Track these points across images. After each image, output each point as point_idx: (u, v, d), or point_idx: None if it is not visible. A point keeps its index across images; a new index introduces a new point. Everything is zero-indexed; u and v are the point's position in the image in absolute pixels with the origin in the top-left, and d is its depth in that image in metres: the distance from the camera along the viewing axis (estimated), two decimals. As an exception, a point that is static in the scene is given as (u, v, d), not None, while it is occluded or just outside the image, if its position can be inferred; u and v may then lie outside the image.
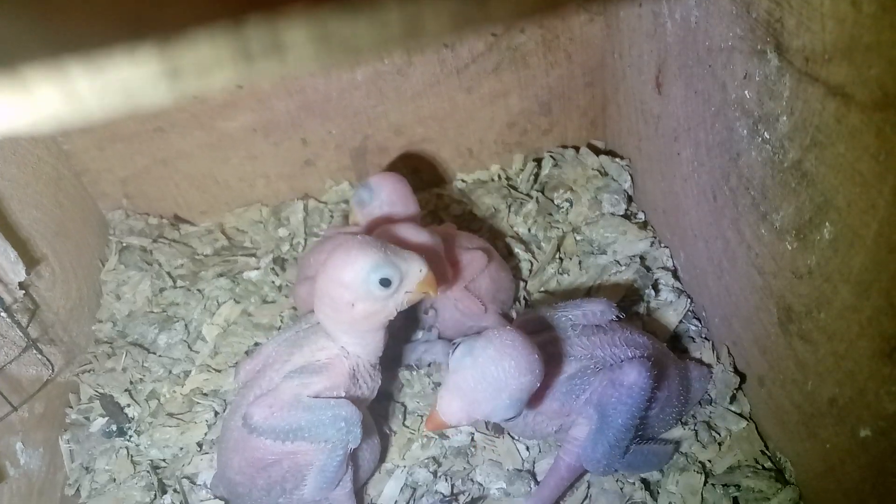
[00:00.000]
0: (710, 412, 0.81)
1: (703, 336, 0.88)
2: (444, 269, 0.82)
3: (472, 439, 0.83)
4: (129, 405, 0.91)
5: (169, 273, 1.05)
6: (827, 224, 0.59)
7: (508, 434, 0.83)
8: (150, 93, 0.20)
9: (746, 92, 0.67)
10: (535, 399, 0.70)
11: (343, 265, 0.67)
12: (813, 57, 0.56)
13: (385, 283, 0.67)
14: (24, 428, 0.82)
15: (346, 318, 0.70)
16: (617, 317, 0.77)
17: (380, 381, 0.77)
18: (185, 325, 0.98)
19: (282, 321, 0.98)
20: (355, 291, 0.67)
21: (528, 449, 0.82)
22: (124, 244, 1.07)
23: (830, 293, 0.60)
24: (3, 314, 0.80)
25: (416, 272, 0.69)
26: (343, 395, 0.73)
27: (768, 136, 0.65)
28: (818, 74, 0.56)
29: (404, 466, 0.82)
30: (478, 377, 0.64)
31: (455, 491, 0.80)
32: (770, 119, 0.64)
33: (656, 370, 0.72)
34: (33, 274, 0.89)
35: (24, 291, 0.86)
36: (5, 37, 0.18)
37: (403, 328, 0.92)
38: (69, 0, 0.17)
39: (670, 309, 0.90)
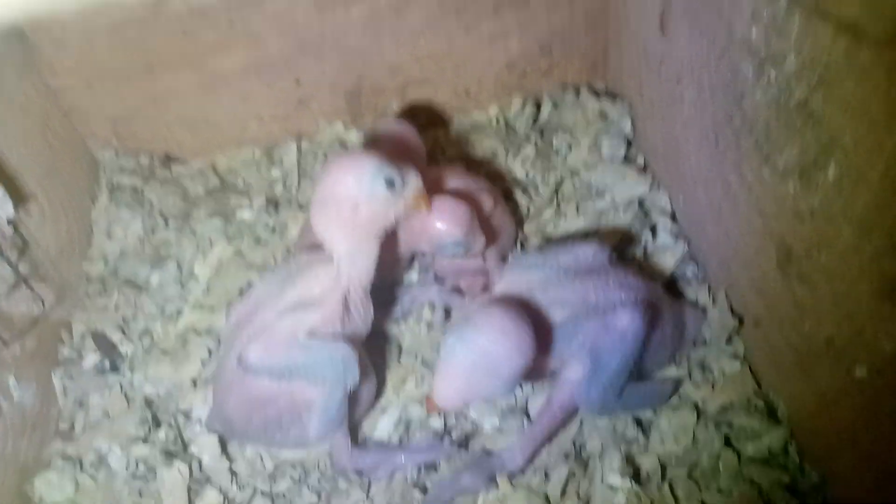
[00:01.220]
0: (705, 353, 0.82)
1: (700, 279, 0.88)
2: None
3: (466, 379, 0.84)
4: (122, 342, 0.90)
5: (161, 212, 1.03)
6: (832, 164, 0.59)
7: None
8: None
9: (753, 31, 0.66)
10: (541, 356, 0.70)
11: (349, 167, 0.70)
12: (824, -8, 0.55)
13: (389, 183, 0.69)
14: (16, 364, 0.82)
15: (348, 222, 0.70)
16: (609, 259, 0.77)
17: (372, 314, 0.77)
18: (178, 265, 0.97)
19: (275, 262, 0.97)
20: (361, 191, 0.69)
21: (521, 387, 0.83)
22: (115, 183, 1.05)
23: (832, 234, 0.60)
24: (-8, 250, 0.79)
25: (415, 182, 0.72)
26: (338, 329, 0.73)
27: (774, 76, 0.64)
28: (829, 10, 0.55)
29: (398, 403, 0.83)
30: (470, 364, 0.65)
31: (448, 427, 0.80)
32: (777, 58, 0.63)
33: (649, 313, 0.72)
34: (22, 211, 0.87)
35: (12, 228, 0.84)
36: None
37: (399, 271, 0.92)
38: None
39: (667, 252, 0.90)
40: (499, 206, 0.89)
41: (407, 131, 0.90)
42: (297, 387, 0.73)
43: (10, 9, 0.19)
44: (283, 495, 0.77)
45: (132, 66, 1.01)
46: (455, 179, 0.87)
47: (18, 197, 0.86)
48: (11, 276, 0.82)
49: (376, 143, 0.87)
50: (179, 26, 0.98)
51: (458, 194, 0.82)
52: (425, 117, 1.13)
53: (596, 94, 1.10)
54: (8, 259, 0.81)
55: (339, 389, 0.72)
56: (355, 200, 0.69)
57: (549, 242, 0.94)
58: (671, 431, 0.75)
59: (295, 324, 0.71)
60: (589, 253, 0.77)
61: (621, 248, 0.91)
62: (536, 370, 0.73)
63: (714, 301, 0.84)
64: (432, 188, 0.79)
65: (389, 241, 0.78)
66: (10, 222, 0.83)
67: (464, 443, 0.79)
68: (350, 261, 0.73)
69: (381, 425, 0.82)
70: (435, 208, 0.77)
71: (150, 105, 1.06)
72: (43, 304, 0.86)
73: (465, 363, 0.64)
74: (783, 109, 0.64)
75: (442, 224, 0.78)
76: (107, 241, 1.01)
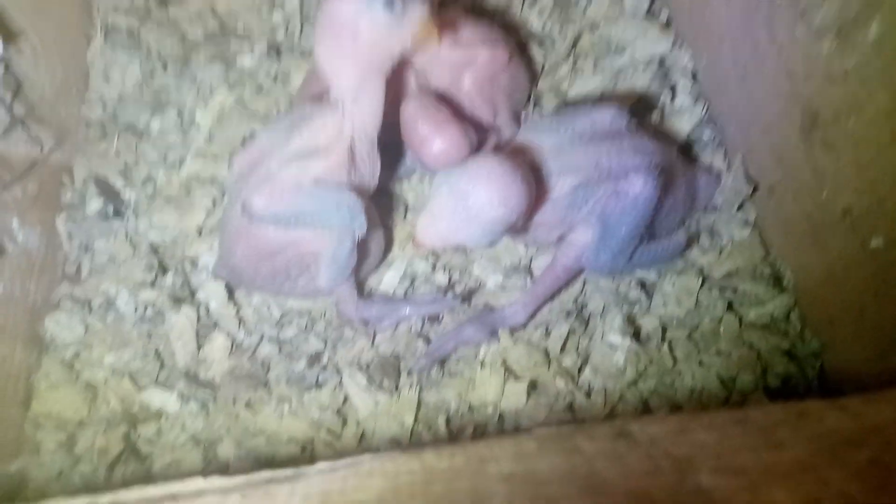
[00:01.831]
0: (715, 219, 0.81)
1: (717, 143, 0.86)
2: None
3: (472, 235, 0.83)
4: (124, 188, 0.89)
5: (159, 56, 0.99)
6: (874, 22, 0.55)
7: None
8: None
9: None
10: (532, 214, 0.69)
11: (342, 6, 0.66)
12: None
13: (388, 3, 0.65)
14: (18, 207, 0.81)
15: (349, 52, 0.67)
16: (627, 123, 0.74)
17: (379, 167, 0.75)
18: (178, 111, 0.94)
19: (277, 111, 0.94)
20: (359, 14, 0.65)
21: (525, 247, 0.83)
22: (110, 23, 1.00)
23: (865, 98, 0.58)
24: (-16, 86, 0.76)
25: (420, 10, 0.67)
26: (344, 179, 0.71)
27: (823, -81, 0.59)
28: None
29: (404, 258, 0.83)
30: (451, 206, 0.64)
31: (452, 282, 0.81)
32: None
33: (663, 179, 0.70)
34: (13, 50, 0.83)
35: (4, 67, 0.81)
36: None
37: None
38: None
39: (685, 114, 0.87)
40: (512, 61, 0.85)
41: None
42: (304, 237, 0.72)
43: None
44: (290, 341, 0.79)
45: None
46: (467, 29, 0.82)
47: (7, 34, 0.82)
48: (6, 117, 0.79)
49: None
50: None
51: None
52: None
53: (622, -60, 1.02)
54: (1, 98, 0.78)
55: (348, 237, 0.71)
56: (355, 25, 0.66)
57: (567, 106, 0.90)
58: (674, 294, 0.76)
59: (300, 172, 0.70)
60: (607, 117, 0.74)
61: (639, 107, 0.88)
62: (529, 231, 0.73)
63: (729, 166, 0.82)
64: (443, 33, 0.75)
65: (395, 92, 0.74)
66: (0, 60, 0.80)
67: (467, 298, 0.80)
68: (354, 101, 0.70)
69: (387, 279, 0.82)
70: (436, 127, 0.72)
71: (145, -63, 0.99)
72: (42, 147, 0.84)
73: (447, 204, 0.64)
74: (828, -42, 0.59)
75: (439, 151, 0.73)
76: (104, 84, 0.97)
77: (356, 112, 0.70)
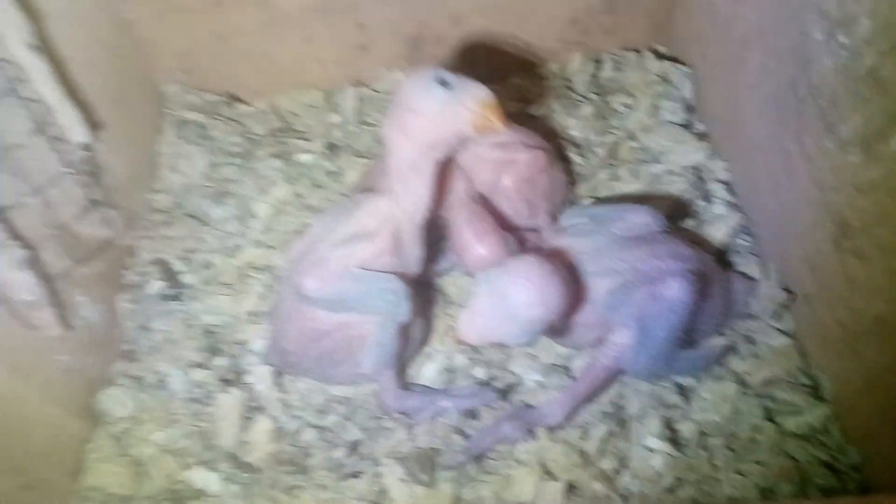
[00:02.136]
0: (752, 326, 0.82)
1: (752, 252, 0.88)
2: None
3: (511, 332, 0.85)
4: (184, 272, 0.94)
5: (224, 150, 1.06)
6: (896, 136, 0.58)
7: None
8: None
9: (827, -7, 0.65)
10: (571, 315, 0.72)
11: (407, 80, 0.70)
12: (906, -45, 0.54)
13: (443, 82, 0.67)
14: (85, 283, 0.86)
15: (407, 128, 0.69)
16: (662, 227, 0.77)
17: (424, 253, 0.78)
18: (239, 202, 1.01)
19: (332, 205, 0.99)
20: (416, 94, 0.68)
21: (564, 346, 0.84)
22: (180, 118, 1.09)
23: (892, 207, 0.60)
24: (68, 173, 0.83)
25: (479, 92, 0.67)
26: (390, 263, 0.74)
27: (845, 41, 0.63)
28: (910, -25, 0.54)
29: (444, 351, 0.85)
30: (491, 304, 0.66)
31: (490, 377, 0.83)
32: (849, 22, 0.62)
33: (699, 284, 0.72)
34: (95, 139, 0.91)
35: (86, 154, 0.88)
36: None
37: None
38: None
39: (721, 222, 0.89)
40: (551, 164, 0.90)
41: None
42: (351, 321, 0.75)
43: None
44: (331, 429, 0.81)
45: (202, 1, 1.03)
46: (508, 131, 0.87)
47: (92, 123, 0.90)
48: (84, 200, 0.86)
49: None
50: (248, -38, 1.00)
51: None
52: (484, 70, 1.12)
53: (658, 56, 1.09)
54: (82, 183, 0.85)
55: (392, 322, 0.74)
56: (412, 104, 0.68)
57: (603, 203, 0.94)
58: (712, 400, 0.76)
59: (348, 255, 0.73)
60: (642, 220, 0.77)
61: (675, 215, 0.91)
62: (568, 332, 0.75)
63: (764, 274, 0.84)
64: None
65: (444, 185, 0.78)
66: (84, 148, 0.87)
67: (505, 395, 0.81)
68: (406, 180, 0.72)
69: (426, 372, 0.84)
70: (478, 235, 0.78)
71: (216, 41, 1.08)
72: (113, 229, 0.90)
73: (488, 302, 0.66)
74: (851, 76, 0.63)
75: (479, 258, 0.78)
76: (171, 174, 1.04)
77: (406, 193, 0.73)
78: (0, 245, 0.72)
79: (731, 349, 0.80)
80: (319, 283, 0.73)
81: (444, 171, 0.78)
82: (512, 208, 0.86)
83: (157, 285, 0.92)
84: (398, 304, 0.73)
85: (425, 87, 0.67)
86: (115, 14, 1.02)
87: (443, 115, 0.68)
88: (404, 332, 0.77)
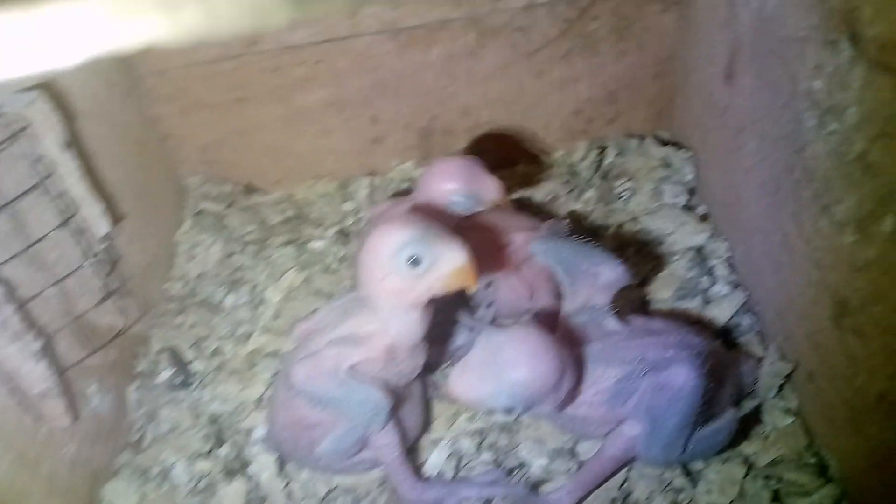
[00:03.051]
0: (757, 405, 0.80)
1: (756, 330, 0.87)
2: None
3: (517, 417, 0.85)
4: (194, 360, 0.96)
5: (239, 238, 1.10)
6: (889, 216, 0.58)
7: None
8: (274, 14, 0.22)
9: (816, 82, 0.67)
10: (565, 397, 0.70)
11: (378, 237, 0.67)
12: (888, 46, 0.56)
13: (414, 261, 0.65)
14: (97, 373, 0.87)
15: (376, 291, 0.69)
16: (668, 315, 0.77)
17: (423, 360, 0.77)
18: (251, 289, 1.03)
19: (341, 290, 1.01)
20: (383, 265, 0.66)
21: (571, 431, 0.83)
22: (199, 208, 1.13)
23: (887, 286, 0.60)
24: (87, 263, 0.86)
25: (451, 260, 0.65)
26: (380, 372, 0.73)
27: (835, 128, 0.65)
28: (891, 64, 0.56)
29: (450, 437, 0.84)
30: (483, 360, 0.66)
31: (498, 462, 0.81)
32: (838, 110, 0.64)
33: (707, 370, 0.71)
34: (115, 229, 0.94)
35: (106, 244, 0.91)
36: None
37: (458, 306, 0.94)
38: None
39: (725, 302, 0.89)
40: None
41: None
42: (324, 421, 0.75)
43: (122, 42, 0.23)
44: (334, 519, 0.80)
45: (225, 98, 1.09)
46: (506, 216, 0.89)
47: (113, 216, 0.93)
48: (101, 290, 0.89)
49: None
50: (271, 62, 1.06)
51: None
52: (492, 158, 1.15)
53: (660, 142, 1.11)
54: (100, 273, 0.88)
55: (360, 429, 0.74)
56: (381, 274, 0.67)
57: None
58: (719, 482, 0.74)
59: (340, 356, 0.72)
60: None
61: (680, 294, 0.91)
62: (592, 421, 0.74)
63: (768, 352, 0.83)
64: (489, 228, 0.82)
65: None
66: (104, 239, 0.90)
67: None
68: (394, 321, 0.71)
69: (433, 459, 0.83)
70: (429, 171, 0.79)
71: (237, 135, 1.13)
72: (127, 318, 0.93)
73: (480, 357, 0.66)
74: (843, 160, 0.64)
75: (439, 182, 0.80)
76: (187, 262, 1.08)
77: (397, 327, 0.72)
78: (17, 336, 0.74)
79: (744, 416, 0.78)
80: (308, 376, 0.72)
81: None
82: (513, 291, 0.86)
83: (167, 373, 0.93)
84: (373, 419, 0.73)
85: (390, 261, 0.65)
86: (142, 111, 1.08)
87: (410, 285, 0.66)
88: (400, 417, 0.77)
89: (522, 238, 0.87)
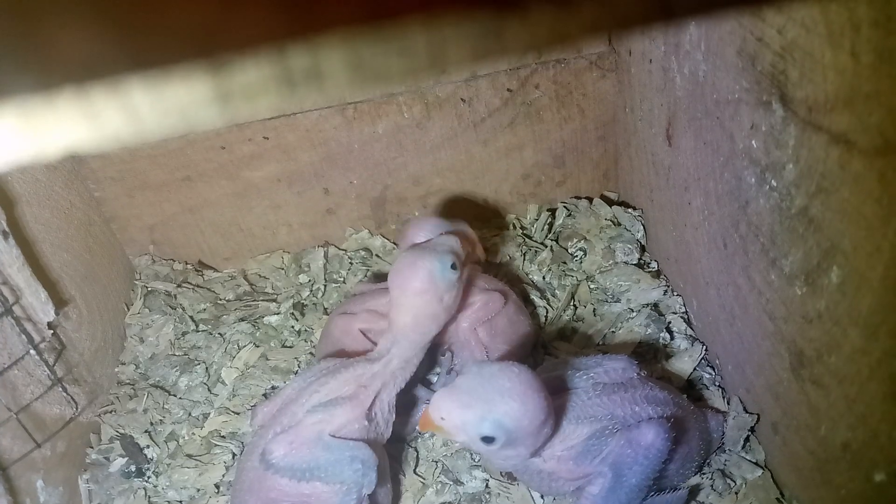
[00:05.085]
0: (725, 460, 0.81)
1: (717, 384, 0.89)
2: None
3: (487, 486, 0.84)
4: (148, 446, 0.92)
5: (192, 317, 1.07)
6: (834, 268, 0.60)
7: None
8: (203, 115, 0.22)
9: (753, 142, 0.70)
10: (537, 442, 0.70)
11: (420, 271, 0.76)
12: (816, 107, 0.58)
13: (454, 267, 0.77)
14: (45, 466, 0.83)
15: (433, 313, 0.77)
16: (638, 374, 0.78)
17: (393, 419, 0.79)
18: (206, 368, 1.00)
19: (298, 365, 0.99)
20: (438, 286, 0.76)
21: (542, 497, 0.82)
22: (149, 289, 1.10)
23: (840, 337, 0.61)
24: (32, 352, 0.82)
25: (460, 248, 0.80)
26: (364, 427, 0.74)
27: (775, 184, 0.67)
28: (821, 123, 0.58)
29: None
30: (471, 386, 0.66)
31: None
32: (777, 167, 0.66)
33: (675, 430, 0.72)
34: (61, 315, 0.91)
35: (52, 331, 0.88)
36: (76, 57, 0.21)
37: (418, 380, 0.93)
38: (142, 19, 0.20)
39: (685, 356, 0.91)
40: (508, 306, 0.91)
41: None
42: (314, 491, 0.73)
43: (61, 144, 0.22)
44: None
45: (171, 177, 1.08)
46: (478, 280, 0.90)
47: (59, 301, 0.91)
48: (47, 379, 0.85)
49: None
50: (218, 140, 1.06)
51: None
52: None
53: (608, 202, 1.15)
54: (46, 362, 0.84)
55: (355, 492, 0.72)
56: (440, 295, 0.77)
57: (572, 346, 0.95)
58: (694, 540, 0.74)
59: (322, 422, 0.73)
60: (619, 366, 0.78)
61: (640, 351, 0.93)
62: (561, 477, 0.73)
63: (729, 405, 0.84)
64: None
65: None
66: (49, 326, 0.87)
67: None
68: (398, 343, 0.77)
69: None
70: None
71: (186, 213, 1.12)
72: (75, 407, 0.89)
73: (468, 384, 0.66)
74: (785, 215, 0.66)
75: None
76: (139, 344, 1.04)
77: (396, 356, 0.77)
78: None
79: (697, 491, 0.79)
80: (288, 449, 0.72)
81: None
82: (470, 352, 0.87)
83: (119, 462, 0.89)
84: (365, 474, 0.72)
85: (440, 268, 0.76)
86: (86, 193, 1.06)
87: (459, 286, 0.79)
88: (373, 498, 0.75)
89: (485, 297, 0.88)
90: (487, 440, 0.65)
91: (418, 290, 0.76)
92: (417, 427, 0.80)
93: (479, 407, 0.65)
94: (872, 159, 0.53)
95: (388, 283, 0.79)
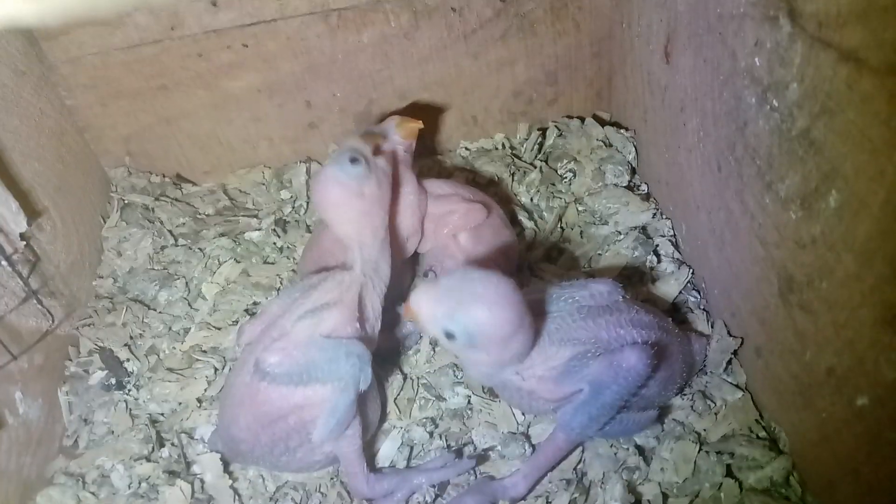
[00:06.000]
0: (707, 382, 0.82)
1: (702, 307, 0.88)
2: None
3: (469, 402, 0.84)
4: (128, 360, 0.91)
5: (170, 231, 1.05)
6: (833, 192, 0.59)
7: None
8: None
9: (756, 59, 0.67)
10: (504, 360, 0.70)
11: (324, 185, 0.76)
12: (826, 21, 0.56)
13: (354, 160, 0.74)
14: (23, 378, 0.82)
15: (363, 210, 0.76)
16: (623, 297, 0.77)
17: (379, 327, 0.79)
18: (186, 283, 0.98)
19: (281, 282, 0.98)
20: (349, 186, 0.75)
21: (523, 413, 0.83)
22: (126, 201, 1.07)
23: (833, 262, 0.61)
24: (3, 263, 0.80)
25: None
26: (354, 331, 0.75)
27: (777, 105, 0.65)
28: (831, 39, 0.56)
29: (401, 427, 0.83)
30: (450, 285, 0.67)
31: (451, 449, 0.80)
32: (779, 87, 0.64)
33: (658, 355, 0.72)
34: (34, 226, 0.89)
35: (25, 243, 0.86)
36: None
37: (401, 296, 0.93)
38: None
39: (671, 279, 0.90)
40: (496, 215, 0.92)
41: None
42: (308, 401, 0.73)
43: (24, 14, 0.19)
44: (284, 516, 0.77)
45: (146, 86, 1.03)
46: (449, 187, 0.91)
47: (31, 212, 0.88)
48: (22, 291, 0.83)
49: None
50: (195, 47, 1.01)
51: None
52: (431, 142, 1.14)
53: (601, 122, 1.12)
54: (19, 273, 0.82)
55: (352, 387, 0.73)
56: (341, 186, 0.75)
57: (558, 269, 0.94)
58: (672, 460, 0.75)
59: (313, 325, 0.73)
60: (604, 289, 0.77)
61: (626, 273, 0.92)
62: (541, 396, 0.73)
63: (715, 328, 0.84)
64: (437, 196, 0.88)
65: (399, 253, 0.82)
66: (22, 237, 0.85)
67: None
68: (363, 245, 0.77)
69: (385, 449, 0.82)
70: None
71: (162, 124, 1.08)
72: (52, 320, 0.87)
73: (449, 283, 0.67)
74: (785, 138, 0.64)
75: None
76: (116, 258, 1.02)
77: (359, 261, 0.76)
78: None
79: (665, 414, 0.80)
80: (283, 356, 0.72)
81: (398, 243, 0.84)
82: (455, 261, 0.86)
83: (99, 375, 0.88)
84: (362, 368, 0.73)
85: (341, 172, 0.74)
86: (58, 101, 1.01)
87: (378, 177, 0.77)
88: (362, 411, 0.75)
89: (464, 208, 0.88)
90: (449, 336, 0.67)
91: (334, 201, 0.76)
92: (403, 314, 0.80)
93: (449, 305, 0.66)
94: (883, 78, 0.51)
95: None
